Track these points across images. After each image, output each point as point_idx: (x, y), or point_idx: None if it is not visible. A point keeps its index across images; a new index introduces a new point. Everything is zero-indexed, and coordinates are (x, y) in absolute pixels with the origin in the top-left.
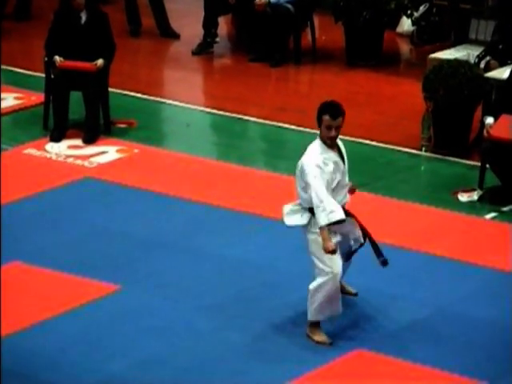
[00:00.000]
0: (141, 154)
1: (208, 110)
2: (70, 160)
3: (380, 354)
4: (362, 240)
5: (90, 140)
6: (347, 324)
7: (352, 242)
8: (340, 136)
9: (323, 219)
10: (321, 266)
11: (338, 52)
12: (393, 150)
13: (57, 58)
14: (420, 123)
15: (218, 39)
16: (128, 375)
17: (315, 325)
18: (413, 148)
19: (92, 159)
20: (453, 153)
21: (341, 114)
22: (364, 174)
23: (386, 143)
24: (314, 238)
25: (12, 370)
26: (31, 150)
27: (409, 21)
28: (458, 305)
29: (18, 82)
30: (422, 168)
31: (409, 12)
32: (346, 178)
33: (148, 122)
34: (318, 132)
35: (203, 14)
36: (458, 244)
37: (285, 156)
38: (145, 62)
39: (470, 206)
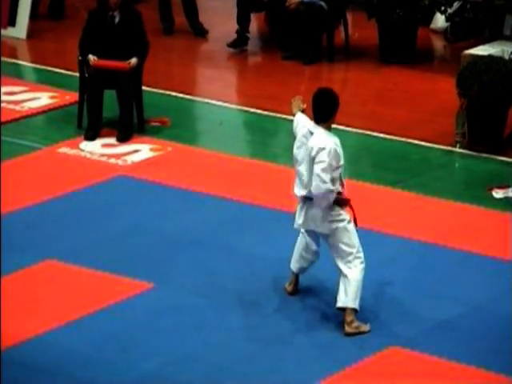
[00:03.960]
0: (174, 152)
1: (241, 107)
2: (104, 158)
3: (414, 351)
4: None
5: (123, 138)
6: (381, 321)
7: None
8: (374, 133)
9: None
10: (352, 250)
11: (372, 49)
12: (427, 146)
13: (91, 56)
14: (454, 120)
15: (248, 35)
16: (162, 373)
17: (356, 315)
18: (447, 145)
19: (126, 157)
20: (487, 149)
21: None
22: (398, 171)
23: (420, 140)
24: (342, 226)
25: (47, 368)
26: (65, 149)
27: (443, 17)
28: (493, 302)
29: (53, 81)
30: (457, 165)
31: (443, 8)
32: None
33: (181, 120)
34: (335, 126)
35: (236, 11)
36: (492, 241)
37: None
38: (178, 61)
39: (504, 203)
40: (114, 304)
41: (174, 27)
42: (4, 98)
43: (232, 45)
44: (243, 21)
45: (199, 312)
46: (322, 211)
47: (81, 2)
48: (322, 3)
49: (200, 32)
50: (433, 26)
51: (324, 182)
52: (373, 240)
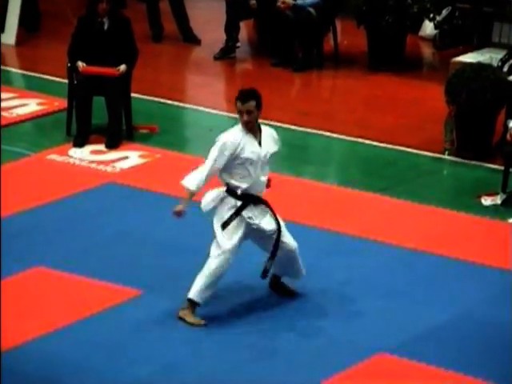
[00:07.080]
0: (163, 159)
1: (230, 115)
2: (93, 165)
3: (403, 358)
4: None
5: (112, 145)
6: (369, 328)
7: (271, 234)
8: (363, 140)
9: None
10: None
11: (361, 56)
12: (415, 153)
13: (79, 63)
14: (443, 127)
15: (239, 44)
16: (151, 381)
17: (193, 306)
18: (436, 152)
19: (114, 164)
20: (476, 156)
21: (250, 98)
22: (387, 177)
23: (409, 147)
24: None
25: (36, 375)
26: (54, 156)
27: (431, 24)
28: (482, 309)
29: (41, 88)
30: (445, 172)
31: (431, 16)
32: (266, 167)
33: (170, 127)
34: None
35: (225, 18)
36: (481, 248)
37: (308, 161)
38: (167, 68)
39: (493, 210)
40: (102, 311)
41: (163, 34)
42: None
43: (219, 55)
44: (231, 29)
45: None
46: None
47: (71, 8)
48: (312, 10)
49: (191, 38)
50: (421, 33)
51: None
52: (361, 247)
